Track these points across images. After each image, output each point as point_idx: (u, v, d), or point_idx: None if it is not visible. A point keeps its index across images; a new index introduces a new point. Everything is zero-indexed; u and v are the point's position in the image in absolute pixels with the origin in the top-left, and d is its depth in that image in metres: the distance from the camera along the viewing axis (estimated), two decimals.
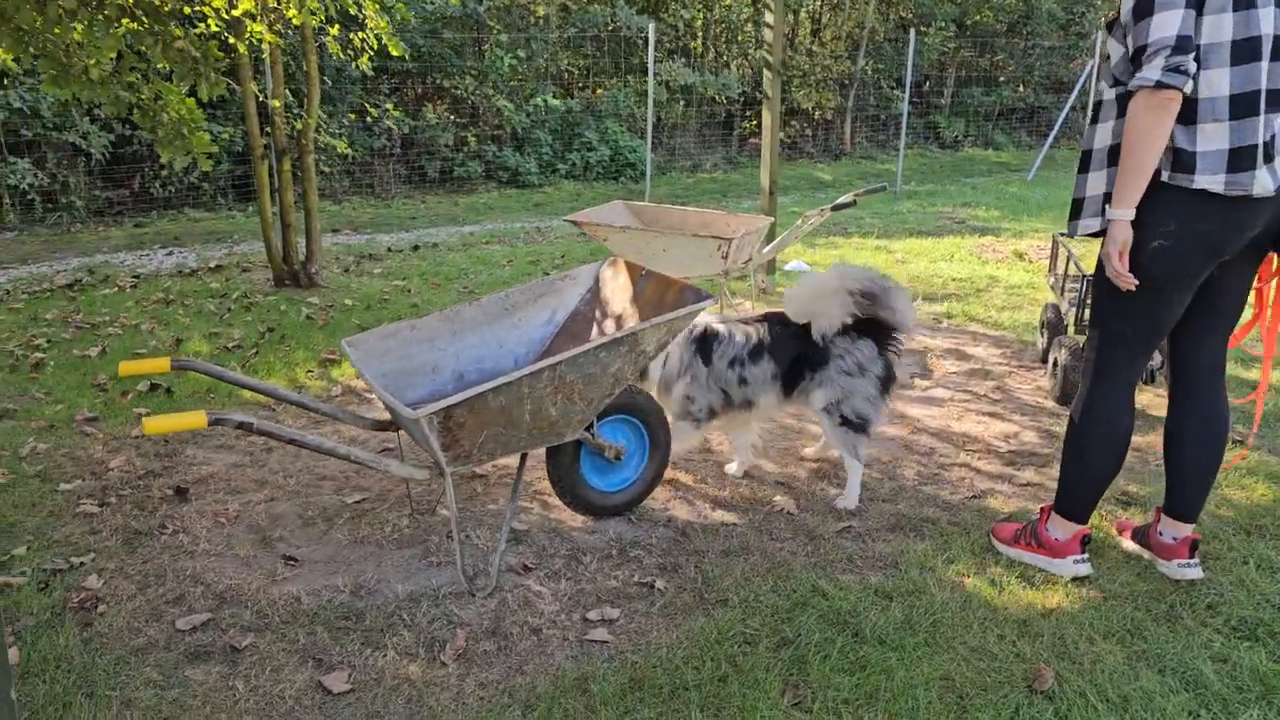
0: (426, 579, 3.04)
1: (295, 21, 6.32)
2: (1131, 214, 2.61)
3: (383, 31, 6.71)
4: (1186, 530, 3.01)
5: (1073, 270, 5.27)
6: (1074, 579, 3.00)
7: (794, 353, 3.52)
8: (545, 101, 13.97)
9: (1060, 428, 4.31)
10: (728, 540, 3.29)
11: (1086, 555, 3.03)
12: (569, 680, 2.52)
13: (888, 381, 3.52)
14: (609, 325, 3.52)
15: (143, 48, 4.14)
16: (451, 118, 13.27)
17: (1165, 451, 3.01)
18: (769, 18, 6.57)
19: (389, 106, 12.24)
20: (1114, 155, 2.69)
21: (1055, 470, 3.84)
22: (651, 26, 11.06)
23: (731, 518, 3.46)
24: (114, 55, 4.14)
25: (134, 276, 7.65)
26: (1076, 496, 2.98)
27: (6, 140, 9.73)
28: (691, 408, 3.56)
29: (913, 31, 14.69)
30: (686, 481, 3.75)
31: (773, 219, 5.93)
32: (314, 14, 6.31)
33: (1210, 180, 2.54)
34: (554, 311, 3.60)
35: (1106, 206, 2.71)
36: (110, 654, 2.63)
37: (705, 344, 3.56)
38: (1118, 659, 2.62)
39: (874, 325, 3.49)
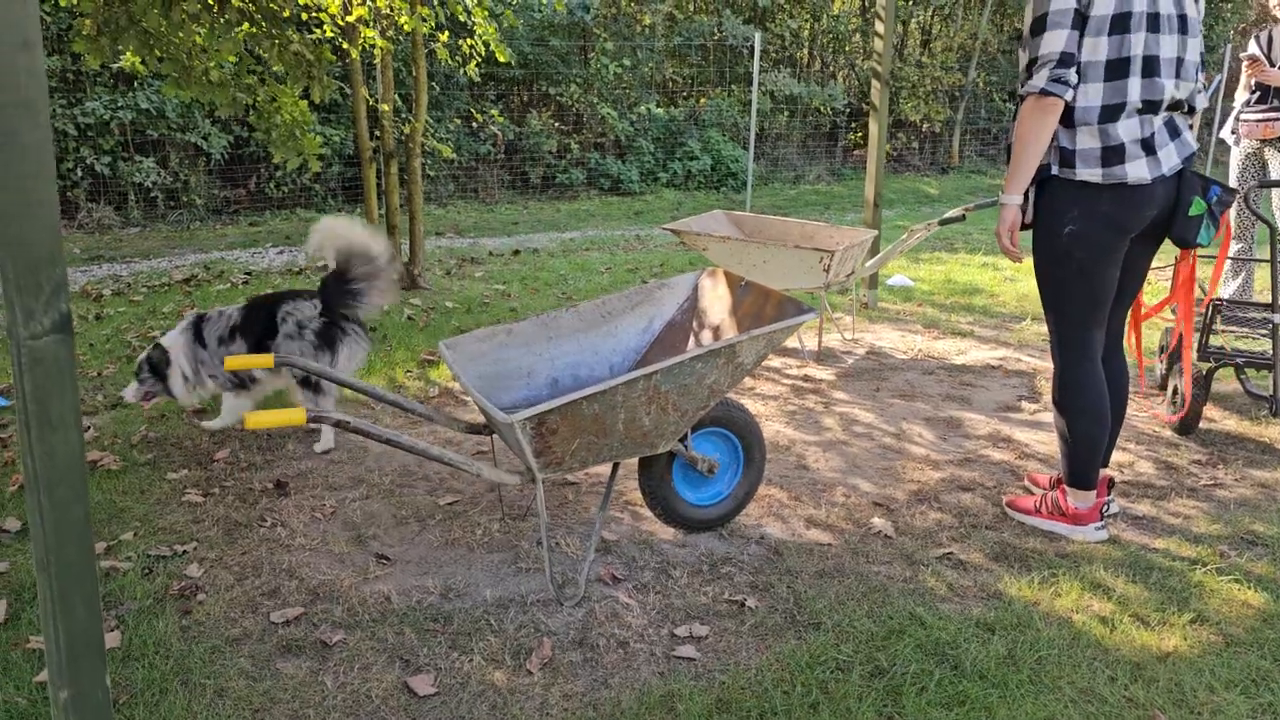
0: (515, 585, 3.02)
1: (406, 28, 6.44)
2: (1018, 199, 3.11)
3: (490, 38, 6.78)
4: (1100, 474, 3.37)
5: (1196, 294, 5.01)
6: (1096, 543, 3.29)
7: (261, 327, 3.89)
8: (649, 110, 14.00)
9: (1178, 458, 4.08)
10: (822, 561, 3.19)
11: (1105, 522, 3.34)
12: (655, 697, 2.47)
13: (328, 339, 3.87)
14: (706, 336, 3.46)
15: (260, 51, 4.24)
16: (555, 125, 13.39)
17: None
18: (879, 27, 6.43)
19: (494, 113, 12.42)
20: None
21: (1173, 503, 3.64)
22: (758, 36, 10.98)
23: (826, 538, 3.36)
24: (233, 58, 4.26)
25: (246, 273, 7.89)
26: (1079, 467, 3.28)
27: (133, 140, 10.18)
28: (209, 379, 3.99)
29: None
30: (780, 498, 3.66)
31: (876, 232, 5.79)
32: (425, 21, 6.42)
33: (1089, 173, 2.99)
34: (651, 320, 3.56)
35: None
36: (206, 642, 2.68)
37: (198, 328, 3.98)
38: (1240, 711, 2.44)
39: (340, 288, 3.86)
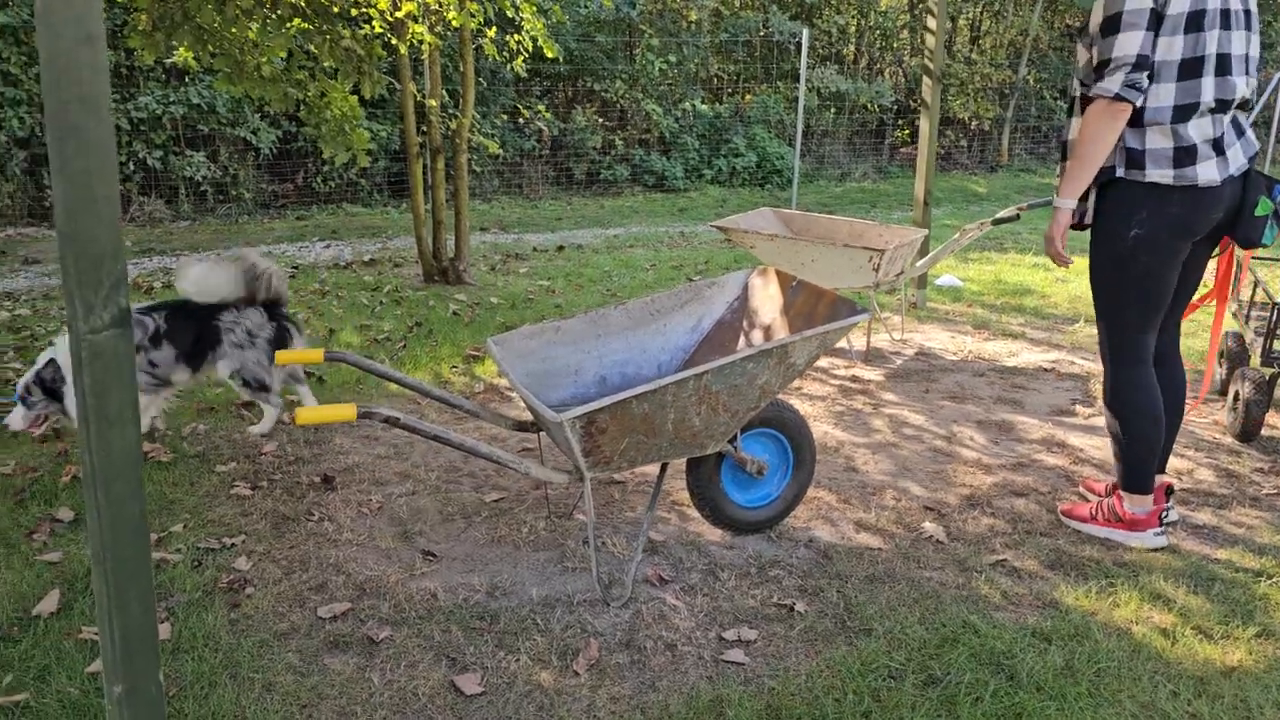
0: (561, 584, 3.00)
1: (455, 24, 6.44)
2: (1074, 204, 3.03)
3: (539, 33, 6.77)
4: (1157, 481, 3.34)
5: (1259, 297, 4.87)
6: (1155, 550, 3.22)
7: (194, 334, 3.92)
8: (694, 106, 13.94)
9: (1240, 466, 3.97)
10: (872, 565, 3.14)
11: (1165, 528, 3.26)
12: (704, 702, 2.43)
13: (280, 343, 4.02)
14: (757, 336, 3.41)
15: (311, 47, 4.26)
16: (600, 121, 13.38)
17: None
18: (930, 23, 6.33)
19: (540, 108, 12.43)
20: None
21: (1235, 513, 3.54)
22: (805, 32, 10.88)
23: (876, 542, 3.30)
24: (284, 54, 4.28)
25: (293, 267, 7.96)
26: (1135, 470, 3.20)
27: (184, 134, 10.32)
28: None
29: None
30: (829, 500, 3.61)
31: (926, 231, 5.70)
32: (473, 16, 6.43)
33: (1159, 174, 2.90)
34: (700, 319, 3.52)
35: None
36: (255, 636, 2.69)
37: None
38: None
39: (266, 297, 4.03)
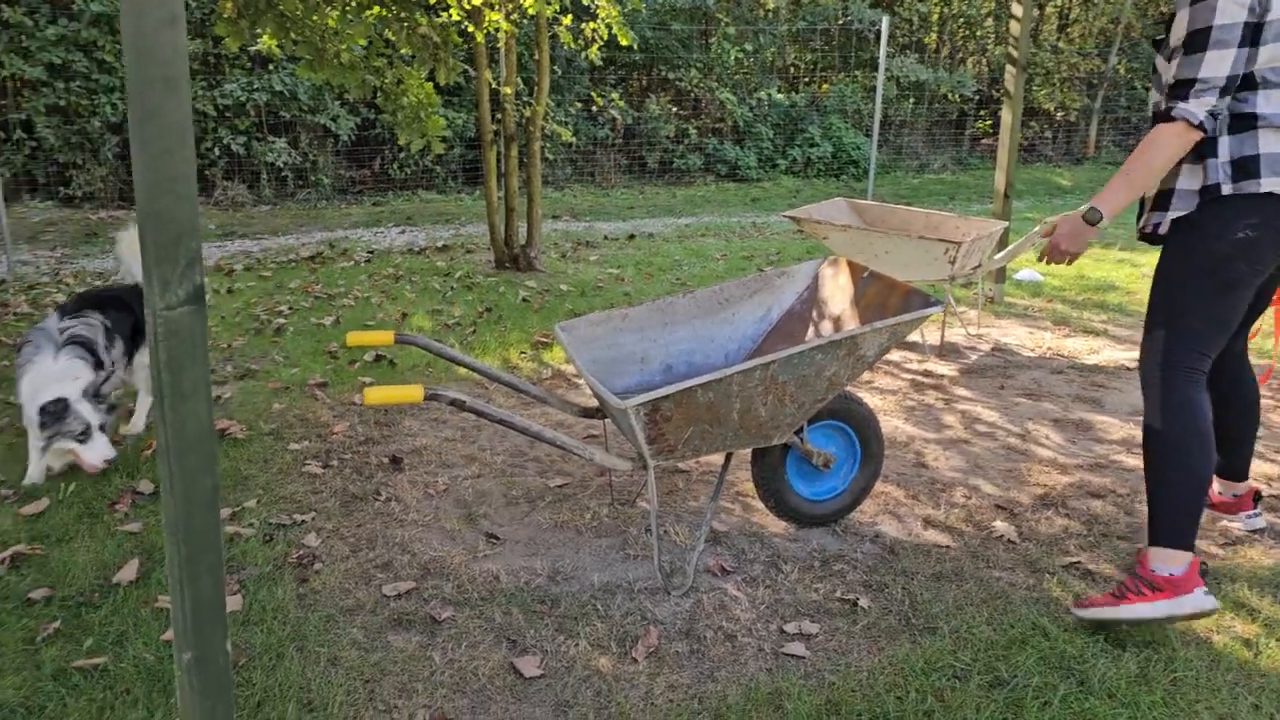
0: (623, 571, 3.00)
1: (530, 11, 6.47)
2: (1109, 221, 2.73)
3: (614, 21, 6.76)
4: (1243, 487, 3.24)
5: None
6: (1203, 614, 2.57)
7: (131, 323, 3.84)
8: (770, 95, 13.81)
9: None
10: (939, 563, 3.08)
11: (1208, 588, 2.71)
12: (762, 694, 2.41)
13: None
14: (826, 327, 3.37)
15: (389, 34, 4.31)
16: (674, 109, 13.34)
17: (1215, 426, 2.87)
18: (1016, 10, 6.16)
19: (614, 96, 12.44)
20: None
21: None
22: (885, 20, 10.69)
23: (944, 539, 3.24)
24: (363, 42, 4.34)
25: (369, 252, 8.10)
26: (1179, 518, 2.66)
27: (267, 121, 10.55)
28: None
29: None
30: (897, 496, 3.55)
31: (1006, 224, 5.57)
32: (549, 3, 6.45)
33: (1274, 183, 2.56)
34: (769, 309, 3.49)
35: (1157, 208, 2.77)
36: (322, 611, 2.74)
37: (83, 342, 3.69)
38: None
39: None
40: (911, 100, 15.10)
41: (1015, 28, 6.20)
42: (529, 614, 2.76)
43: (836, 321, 3.34)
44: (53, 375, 3.39)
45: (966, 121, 15.97)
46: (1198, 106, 2.53)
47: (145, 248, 1.45)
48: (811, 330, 3.39)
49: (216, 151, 10.34)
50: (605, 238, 9.13)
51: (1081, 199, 12.01)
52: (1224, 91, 2.53)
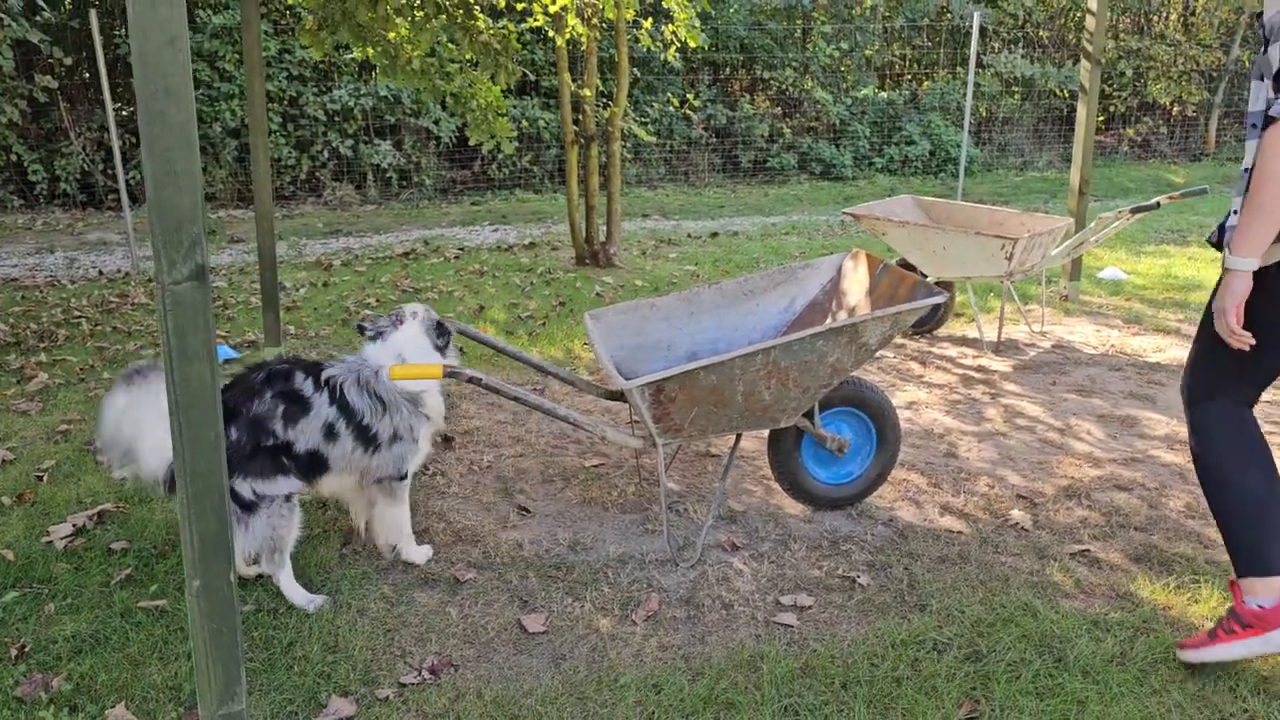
0: (638, 544, 3.19)
1: (609, 15, 6.71)
2: (1254, 264, 2.23)
3: (684, 24, 6.94)
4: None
5: None
6: None
7: None
8: (871, 92, 13.75)
9: None
10: (947, 547, 3.17)
11: None
12: (744, 656, 2.57)
13: None
14: (842, 316, 3.49)
15: (452, 40, 4.61)
16: (769, 108, 13.42)
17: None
18: (1091, 4, 6.09)
19: (690, 97, 12.61)
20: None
21: None
22: (976, 16, 10.56)
23: (958, 525, 3.32)
24: (428, 48, 4.65)
25: (459, 249, 8.48)
26: (1252, 543, 2.38)
27: (373, 124, 11.10)
28: None
29: None
30: (919, 483, 3.64)
31: (1070, 220, 5.52)
32: (627, 8, 6.67)
33: None
34: (793, 300, 3.62)
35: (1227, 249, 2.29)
36: (358, 568, 3.02)
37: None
38: None
39: None
40: (1016, 96, 14.79)
41: (1091, 23, 6.13)
42: (543, 578, 2.98)
43: (852, 311, 3.46)
44: None
45: (1075, 117, 15.53)
46: None
47: (153, 232, 1.72)
48: (829, 320, 3.52)
49: (326, 154, 10.94)
50: (689, 236, 9.31)
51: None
52: None
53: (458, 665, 2.56)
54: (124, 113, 10.24)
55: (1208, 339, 2.47)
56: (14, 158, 10.13)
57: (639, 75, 12.33)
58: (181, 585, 2.90)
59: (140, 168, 10.40)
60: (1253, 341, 2.29)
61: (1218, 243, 2.43)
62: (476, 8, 4.61)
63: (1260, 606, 2.36)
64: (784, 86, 13.42)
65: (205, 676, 1.96)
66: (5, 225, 9.77)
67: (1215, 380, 2.48)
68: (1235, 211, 2.33)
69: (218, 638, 1.93)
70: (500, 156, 11.70)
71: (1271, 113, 2.12)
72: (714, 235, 9.32)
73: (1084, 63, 6.22)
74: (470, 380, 2.84)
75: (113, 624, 2.71)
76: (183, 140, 1.70)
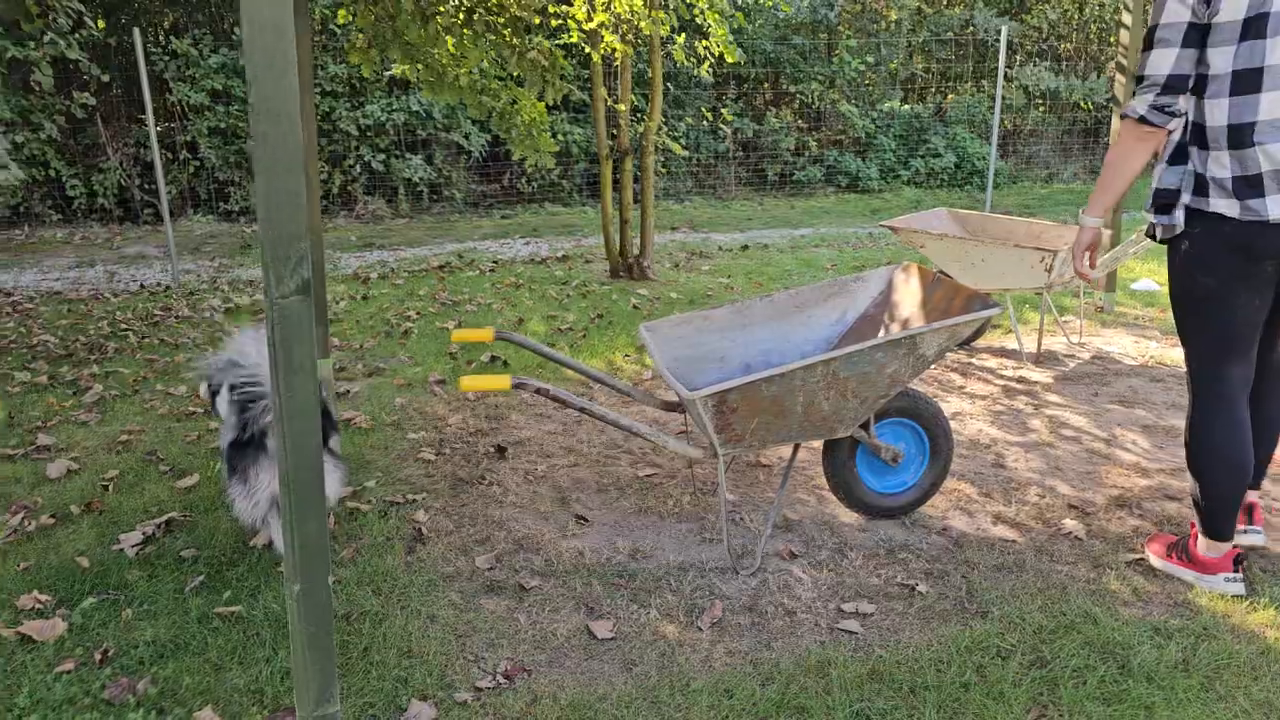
0: (697, 552, 3.24)
1: (645, 31, 6.79)
2: (1098, 222, 2.92)
3: (720, 40, 7.02)
4: (1253, 495, 3.18)
5: None
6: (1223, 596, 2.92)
7: None
8: (896, 105, 13.80)
9: None
10: (1003, 556, 3.20)
11: (1240, 574, 2.94)
12: (812, 661, 2.62)
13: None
14: (895, 329, 3.53)
15: (500, 56, 4.69)
16: (795, 122, 13.49)
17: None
18: (1125, 18, 6.13)
19: (724, 111, 12.69)
20: (1178, 150, 2.74)
21: None
22: (1004, 29, 10.60)
23: (1011, 534, 3.36)
24: (476, 65, 4.73)
25: (494, 262, 8.57)
26: (1213, 516, 2.91)
27: (404, 139, 11.23)
28: None
29: None
30: (969, 493, 3.68)
31: (1110, 231, 5.55)
32: (662, 24, 6.76)
33: (1225, 205, 2.61)
34: (844, 312, 3.67)
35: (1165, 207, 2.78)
36: (424, 576, 3.08)
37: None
38: None
39: None
40: (1042, 109, 14.81)
41: (1125, 36, 6.17)
42: (607, 586, 3.03)
43: (905, 324, 3.50)
44: None
45: (1101, 130, 15.52)
46: (1139, 103, 2.65)
47: (263, 248, 1.79)
48: (882, 332, 3.56)
49: (358, 168, 11.07)
50: (720, 248, 9.38)
51: None
52: (1165, 89, 2.59)
53: (530, 670, 2.61)
54: (158, 129, 10.40)
55: (1184, 349, 2.91)
56: (53, 173, 10.30)
57: (669, 89, 12.42)
58: (255, 592, 2.97)
59: (177, 183, 10.56)
60: (1095, 276, 3.03)
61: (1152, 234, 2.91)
62: (535, 19, 4.70)
63: (1206, 556, 2.97)
64: (809, 100, 13.49)
65: (302, 679, 2.02)
66: (45, 240, 9.95)
67: (1197, 375, 2.88)
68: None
69: (315, 641, 2.00)
70: (530, 171, 11.81)
71: (1123, 111, 2.70)
72: (744, 248, 9.38)
73: (1118, 76, 6.25)
74: (538, 391, 2.90)
75: (190, 629, 2.78)
76: (291, 161, 1.77)
